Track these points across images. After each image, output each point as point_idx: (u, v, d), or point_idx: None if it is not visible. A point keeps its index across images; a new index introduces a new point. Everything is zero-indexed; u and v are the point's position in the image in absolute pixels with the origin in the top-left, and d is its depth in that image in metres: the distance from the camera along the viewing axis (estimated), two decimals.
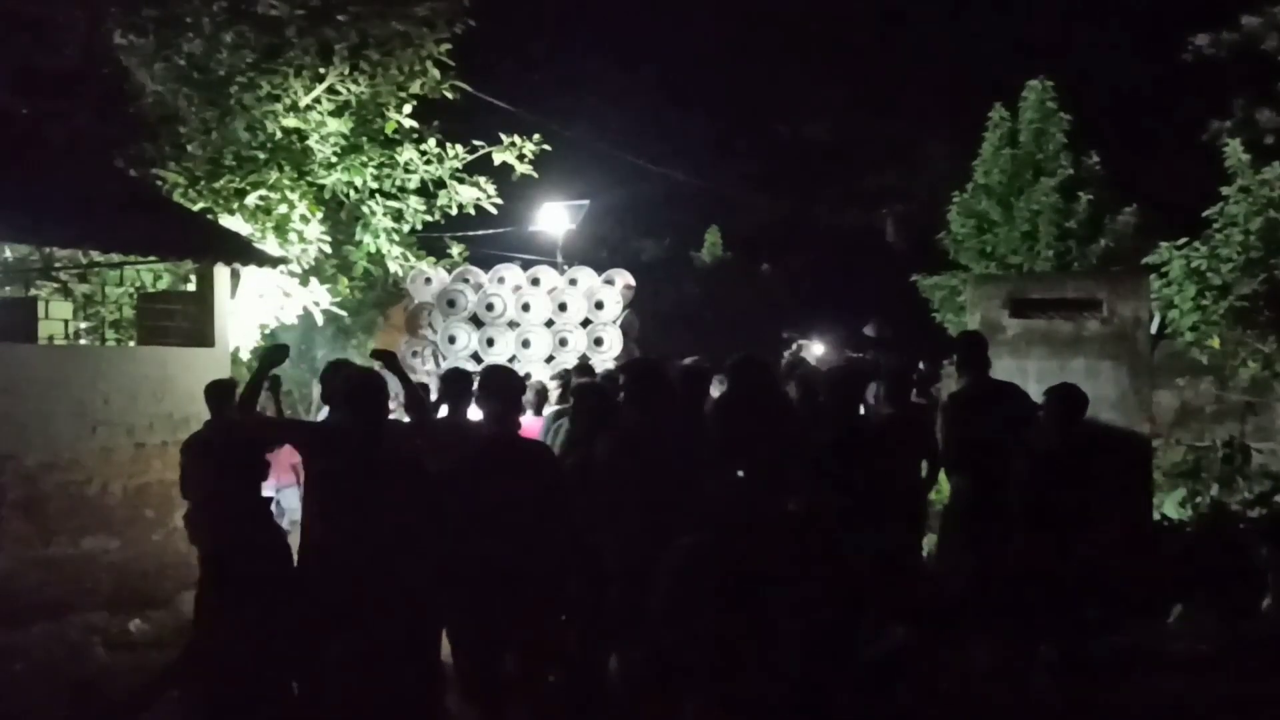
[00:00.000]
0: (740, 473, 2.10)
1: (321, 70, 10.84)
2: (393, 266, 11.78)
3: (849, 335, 31.66)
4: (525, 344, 11.08)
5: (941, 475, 6.64)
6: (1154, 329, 10.26)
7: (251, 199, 10.33)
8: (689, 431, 4.64)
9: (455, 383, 5.74)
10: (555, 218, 18.43)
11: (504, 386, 4.82)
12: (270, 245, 10.22)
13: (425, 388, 8.21)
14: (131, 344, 9.78)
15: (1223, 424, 10.33)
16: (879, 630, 2.20)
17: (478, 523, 4.42)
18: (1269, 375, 9.74)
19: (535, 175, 12.29)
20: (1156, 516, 8.17)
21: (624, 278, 11.70)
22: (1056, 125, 16.23)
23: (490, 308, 11.16)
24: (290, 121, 10.70)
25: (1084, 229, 15.80)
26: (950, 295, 16.44)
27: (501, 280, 11.43)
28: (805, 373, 7.46)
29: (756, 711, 2.16)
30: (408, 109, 11.43)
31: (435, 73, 11.38)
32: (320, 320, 11.06)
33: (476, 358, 10.72)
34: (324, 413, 7.06)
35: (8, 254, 10.40)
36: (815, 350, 29.22)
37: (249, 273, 9.65)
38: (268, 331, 10.67)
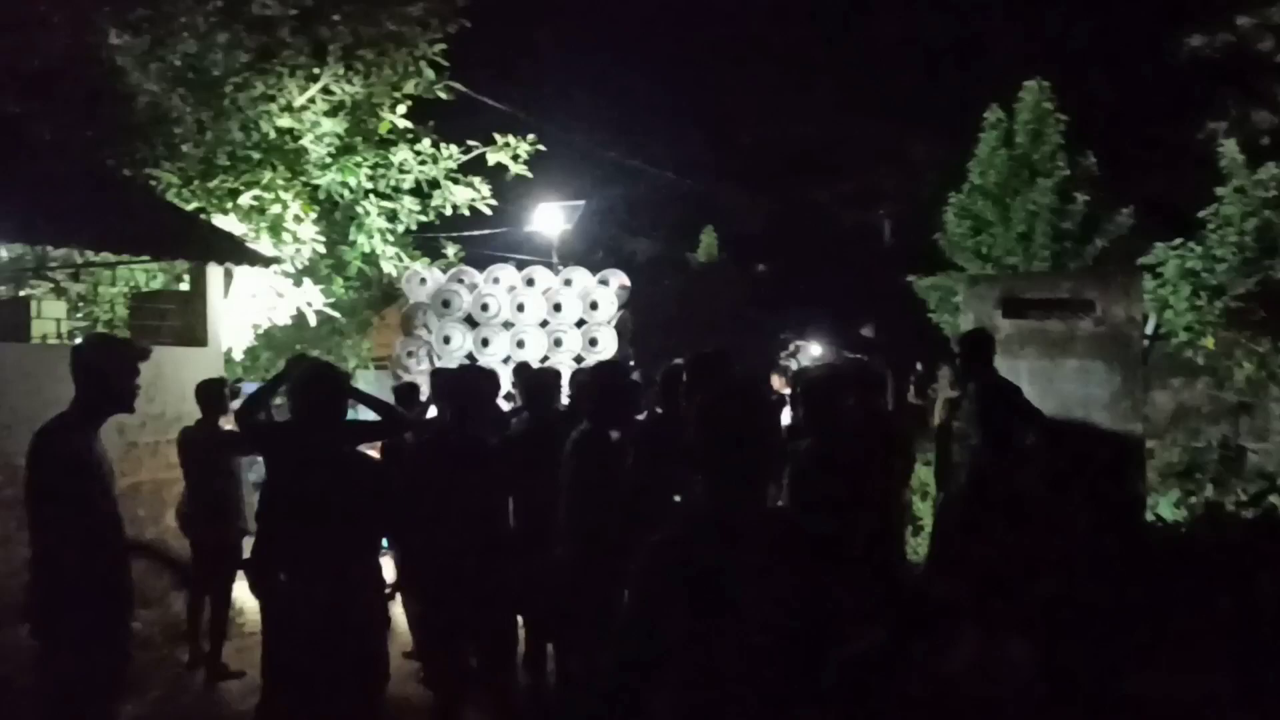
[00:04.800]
0: (712, 473, 2.09)
1: (316, 70, 10.84)
2: (387, 267, 11.77)
3: (845, 336, 31.64)
4: (520, 344, 11.06)
5: (928, 476, 6.64)
6: (1149, 329, 10.27)
7: (245, 199, 10.33)
8: (661, 433, 4.72)
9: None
10: (550, 218, 18.40)
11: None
12: (264, 245, 10.20)
13: (416, 387, 8.23)
14: None
15: (1218, 424, 10.33)
16: (853, 631, 2.18)
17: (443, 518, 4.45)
18: (1264, 375, 9.74)
19: (530, 175, 12.30)
20: (1150, 517, 8.17)
21: (619, 278, 11.68)
22: (1053, 126, 16.19)
23: (485, 308, 11.15)
24: (284, 121, 10.70)
25: (1080, 230, 15.78)
26: (946, 296, 16.43)
27: (496, 280, 11.41)
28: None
29: (724, 714, 2.14)
30: (402, 109, 11.44)
31: (429, 73, 11.39)
32: (314, 319, 11.05)
33: (471, 358, 10.70)
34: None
35: (2, 253, 10.39)
36: (812, 351, 29.21)
37: (242, 273, 9.64)
38: (260, 332, 10.66)
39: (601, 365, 5.63)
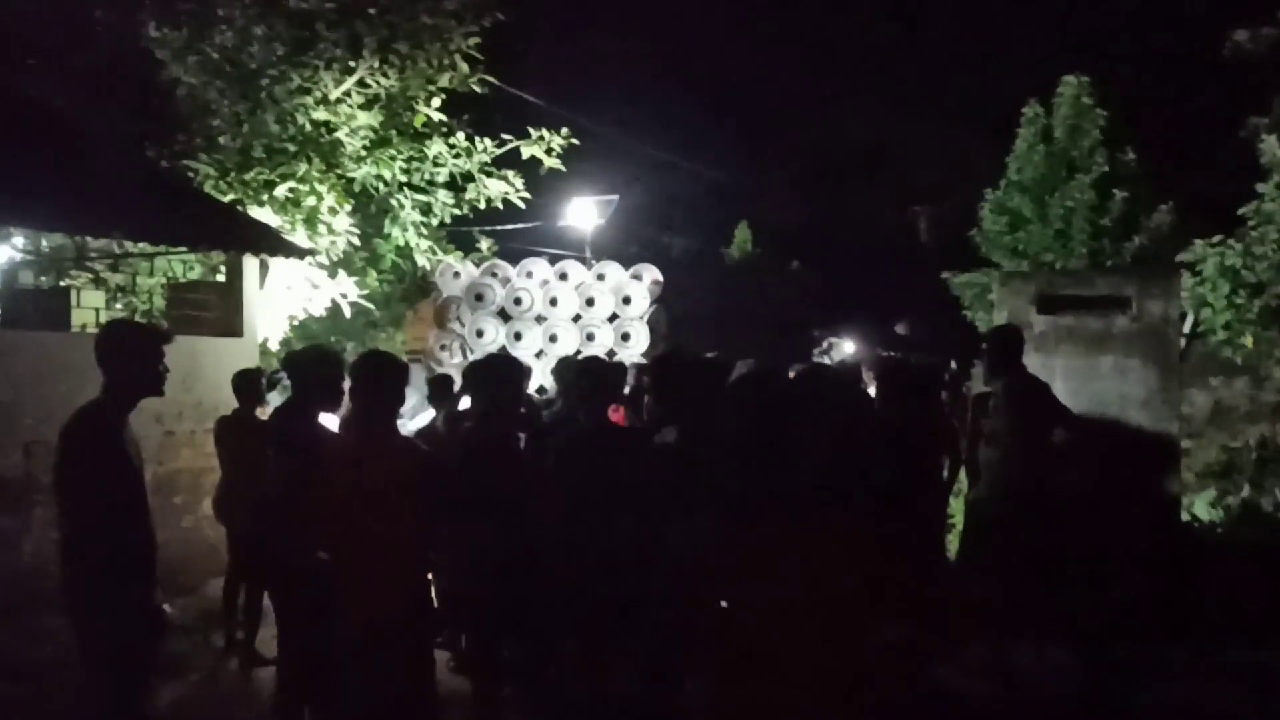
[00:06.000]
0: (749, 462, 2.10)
1: (351, 63, 10.92)
2: (421, 260, 11.84)
3: (881, 334, 31.47)
4: (553, 338, 11.07)
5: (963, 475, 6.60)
6: (1187, 328, 10.13)
7: (281, 191, 10.43)
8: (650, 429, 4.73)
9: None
10: (584, 213, 18.43)
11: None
12: (299, 237, 10.30)
13: (450, 380, 8.28)
14: None
15: (1256, 424, 10.18)
16: (881, 625, 2.18)
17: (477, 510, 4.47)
18: None
19: (563, 169, 12.31)
20: (1186, 517, 8.08)
21: (652, 273, 11.65)
22: (1092, 122, 15.99)
23: (518, 302, 11.16)
24: (320, 114, 10.79)
25: (1119, 227, 15.58)
26: (981, 293, 16.29)
27: (529, 275, 11.43)
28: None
29: (757, 705, 2.14)
30: (437, 102, 11.50)
31: (464, 66, 11.44)
32: (348, 311, 11.14)
33: (504, 350, 10.74)
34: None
35: (44, 244, 10.56)
36: (846, 349, 29.07)
37: (277, 264, 9.73)
38: (296, 323, 10.76)
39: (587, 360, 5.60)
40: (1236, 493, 8.87)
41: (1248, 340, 9.70)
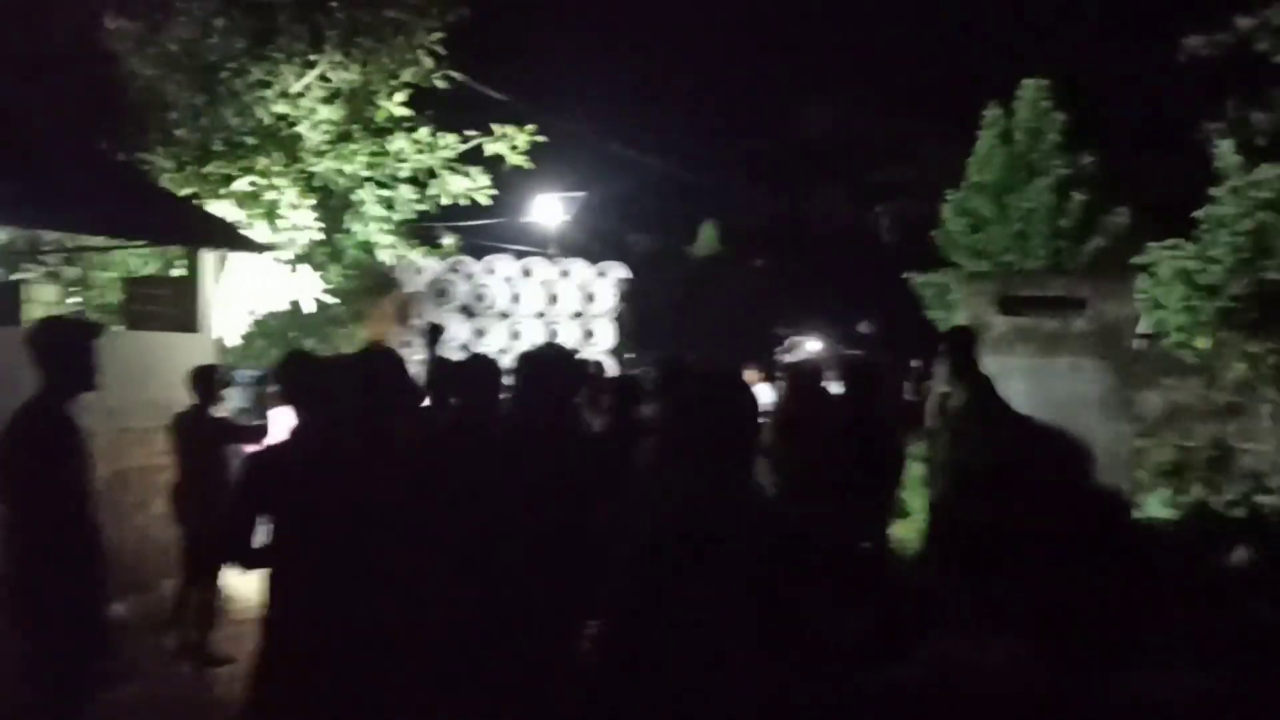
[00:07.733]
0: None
1: (313, 57, 10.82)
2: (383, 256, 11.75)
3: (844, 332, 31.66)
4: (515, 335, 11.06)
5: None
6: (1145, 329, 10.27)
7: (240, 184, 10.30)
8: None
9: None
10: (549, 209, 18.41)
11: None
12: (259, 232, 10.19)
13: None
14: (117, 328, 9.75)
15: (1209, 424, 10.32)
16: (841, 617, 2.19)
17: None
18: (1255, 376, 9.74)
19: (527, 166, 12.23)
20: (1140, 516, 8.18)
21: (616, 270, 11.68)
22: (1051, 125, 16.21)
23: (481, 298, 11.15)
24: (280, 108, 10.68)
25: (1077, 228, 15.81)
26: (942, 293, 16.45)
27: (492, 271, 11.41)
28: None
29: (706, 701, 2.15)
30: (400, 97, 11.39)
31: (427, 61, 11.35)
32: (310, 307, 11.03)
33: (466, 348, 10.71)
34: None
35: None
36: (810, 347, 29.21)
37: (236, 259, 9.63)
38: (256, 319, 10.65)
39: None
40: (1189, 492, 8.99)
41: (1201, 342, 9.86)
